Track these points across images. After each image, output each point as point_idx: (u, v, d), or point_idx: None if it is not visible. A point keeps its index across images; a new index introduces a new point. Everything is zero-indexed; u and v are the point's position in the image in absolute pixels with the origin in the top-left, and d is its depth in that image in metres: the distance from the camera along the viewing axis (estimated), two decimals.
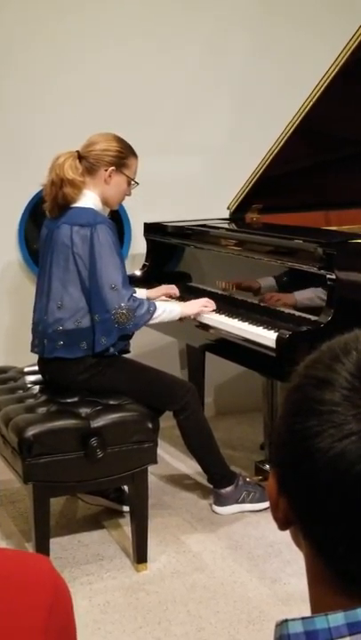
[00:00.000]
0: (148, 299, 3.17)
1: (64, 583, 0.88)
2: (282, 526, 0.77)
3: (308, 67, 3.53)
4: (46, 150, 3.04)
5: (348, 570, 0.70)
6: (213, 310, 3.18)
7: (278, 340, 2.68)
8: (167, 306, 3.07)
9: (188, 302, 3.22)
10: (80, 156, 2.97)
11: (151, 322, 2.97)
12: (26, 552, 1.06)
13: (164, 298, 3.34)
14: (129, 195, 3.12)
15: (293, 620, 0.70)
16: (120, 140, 3.03)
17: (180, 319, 3.12)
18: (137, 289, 3.12)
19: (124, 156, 3.01)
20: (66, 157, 2.93)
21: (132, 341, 3.09)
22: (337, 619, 0.68)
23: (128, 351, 3.06)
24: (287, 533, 0.79)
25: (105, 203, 3.04)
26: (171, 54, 4.11)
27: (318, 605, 0.75)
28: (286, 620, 0.70)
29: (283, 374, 2.58)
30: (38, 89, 3.89)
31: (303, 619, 0.70)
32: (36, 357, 3.12)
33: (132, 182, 3.07)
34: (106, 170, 2.98)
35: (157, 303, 3.01)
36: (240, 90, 4.27)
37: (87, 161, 2.97)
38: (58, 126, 3.84)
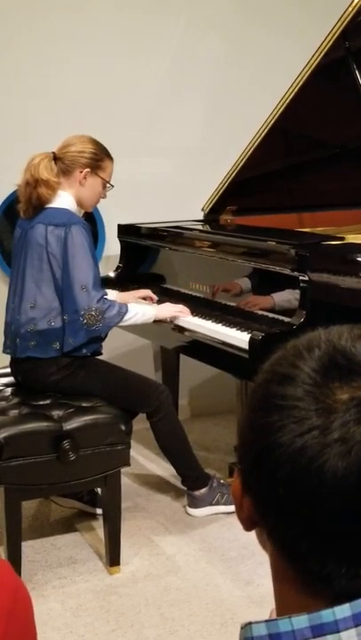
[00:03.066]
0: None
1: (24, 587, 0.87)
2: (247, 527, 0.77)
3: (281, 69, 3.54)
4: (20, 151, 3.03)
5: (309, 568, 0.70)
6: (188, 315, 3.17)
7: (251, 341, 2.68)
8: (140, 308, 3.03)
9: (162, 305, 3.20)
10: (55, 157, 2.96)
11: (122, 324, 2.95)
12: None
13: (140, 301, 3.31)
14: (104, 197, 3.11)
15: (257, 622, 0.70)
16: (96, 143, 3.02)
17: (155, 321, 3.11)
18: (108, 290, 3.11)
19: (99, 158, 3.00)
20: (41, 158, 2.92)
21: (105, 343, 3.07)
22: (300, 621, 0.68)
23: (100, 353, 3.05)
24: None
25: (79, 204, 3.03)
26: (144, 57, 4.11)
27: (283, 605, 0.74)
28: (250, 623, 0.70)
29: (256, 376, 2.57)
30: (11, 91, 3.86)
31: (267, 621, 0.69)
32: (7, 360, 3.10)
33: (108, 185, 3.07)
34: (81, 171, 2.97)
35: (130, 305, 2.98)
36: (213, 92, 4.27)
37: (62, 162, 2.96)
38: (32, 128, 3.81)
